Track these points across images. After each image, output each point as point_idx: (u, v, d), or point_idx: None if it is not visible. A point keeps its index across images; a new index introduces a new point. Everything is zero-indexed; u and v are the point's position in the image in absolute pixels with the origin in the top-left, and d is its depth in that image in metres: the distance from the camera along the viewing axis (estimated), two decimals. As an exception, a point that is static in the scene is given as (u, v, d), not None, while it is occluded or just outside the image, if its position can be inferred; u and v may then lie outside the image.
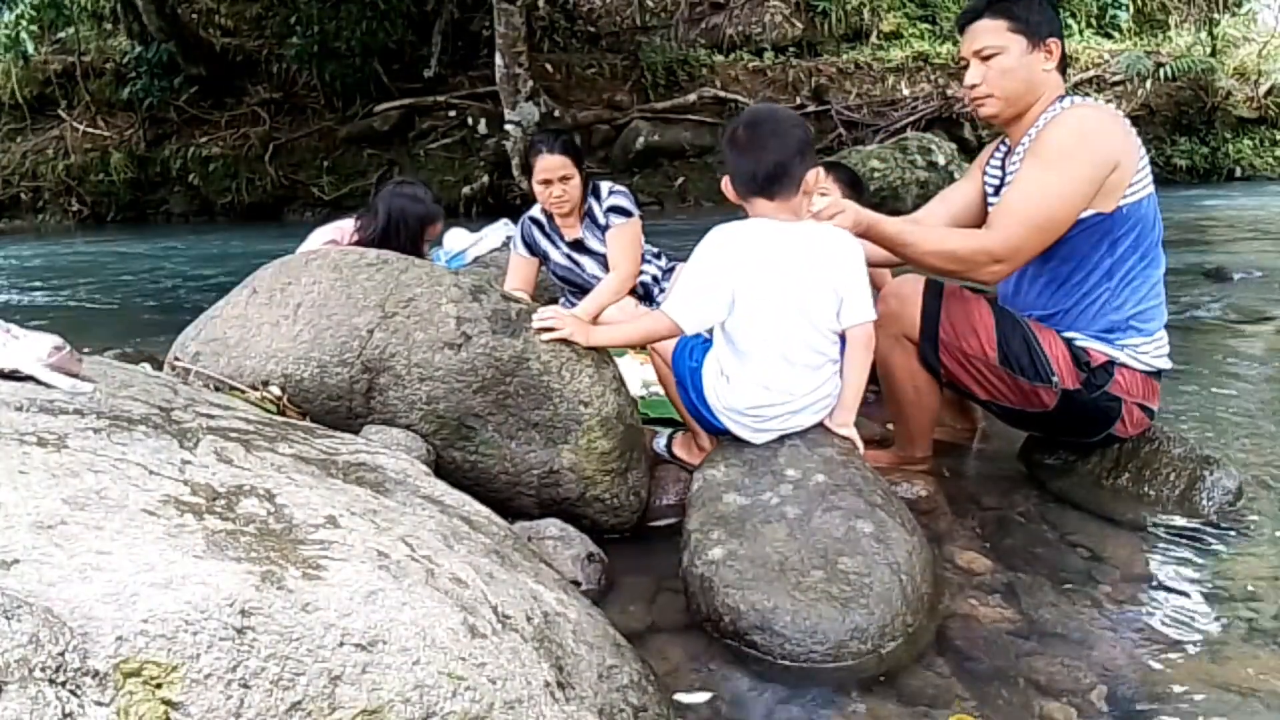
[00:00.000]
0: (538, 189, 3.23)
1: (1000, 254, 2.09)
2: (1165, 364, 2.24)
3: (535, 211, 3.42)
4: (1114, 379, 2.17)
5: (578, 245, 3.37)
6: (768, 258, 2.00)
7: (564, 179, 3.18)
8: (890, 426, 2.58)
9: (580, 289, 3.43)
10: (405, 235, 3.22)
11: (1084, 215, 2.09)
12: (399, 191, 3.34)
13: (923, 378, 2.29)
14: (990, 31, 2.13)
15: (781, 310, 2.00)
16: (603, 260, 3.35)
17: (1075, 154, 2.04)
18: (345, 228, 3.30)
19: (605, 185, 3.35)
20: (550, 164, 3.17)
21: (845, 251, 2.04)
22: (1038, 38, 2.12)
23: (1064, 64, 2.18)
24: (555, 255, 3.42)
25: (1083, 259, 2.14)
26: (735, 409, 2.07)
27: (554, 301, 3.57)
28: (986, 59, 2.14)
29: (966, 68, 2.20)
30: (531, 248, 3.44)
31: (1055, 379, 2.15)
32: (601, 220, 3.29)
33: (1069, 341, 2.19)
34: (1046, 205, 2.05)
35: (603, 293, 3.08)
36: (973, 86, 2.18)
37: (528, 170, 3.29)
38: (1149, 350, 2.20)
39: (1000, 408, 2.30)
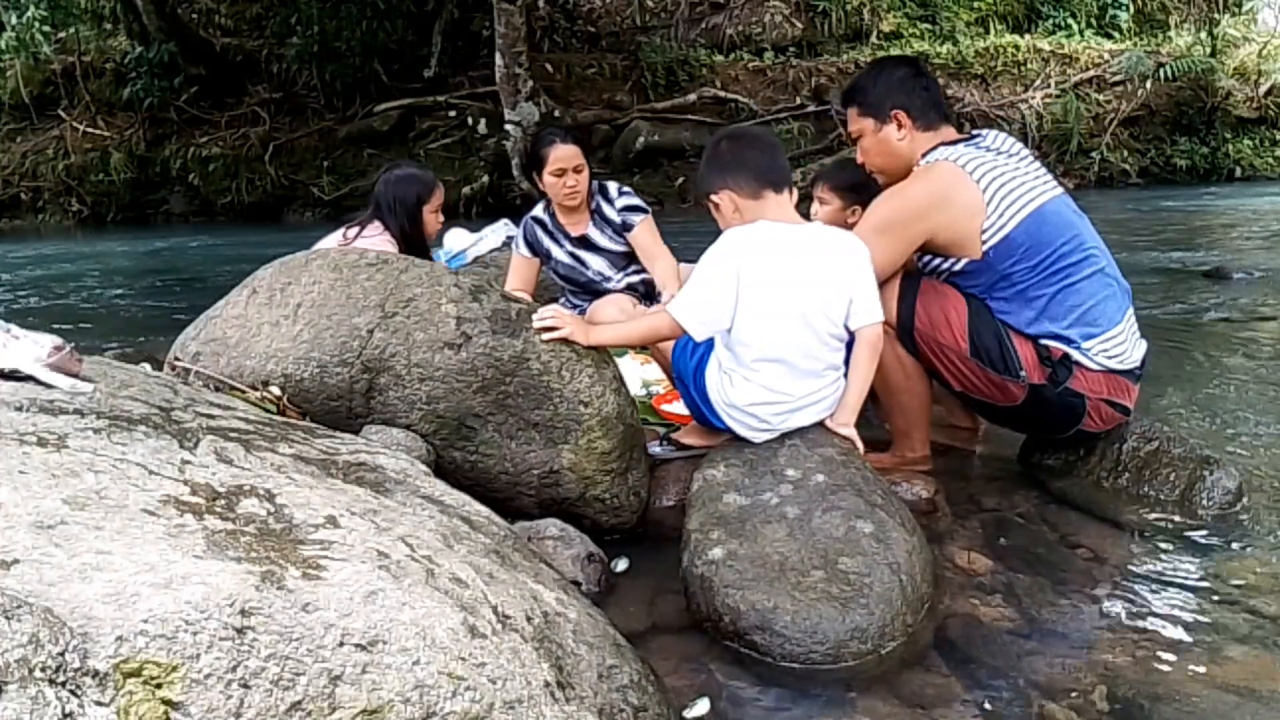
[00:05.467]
0: (550, 181, 3.24)
1: None
2: (1123, 365, 2.21)
3: (538, 211, 3.43)
4: (1074, 375, 2.18)
5: (583, 242, 3.37)
6: (777, 262, 2.02)
7: (577, 169, 3.23)
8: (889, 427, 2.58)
9: (583, 287, 3.43)
10: (404, 217, 3.26)
11: (961, 265, 2.22)
12: (389, 179, 3.38)
13: (910, 363, 2.30)
14: (850, 120, 2.42)
15: (784, 316, 2.01)
16: (609, 257, 3.37)
17: (871, 222, 2.27)
18: (375, 237, 3.29)
19: (612, 185, 3.37)
20: (565, 153, 3.20)
21: (853, 252, 2.08)
22: (882, 114, 2.33)
23: (934, 115, 2.32)
24: (558, 254, 3.42)
25: (987, 294, 2.23)
26: (735, 405, 2.08)
27: (554, 301, 3.57)
28: (856, 141, 2.43)
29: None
30: (534, 247, 3.44)
31: (1023, 373, 2.17)
32: (616, 219, 3.31)
33: (1033, 339, 2.21)
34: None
35: (665, 283, 3.11)
36: (863, 164, 2.49)
37: (535, 165, 3.30)
38: (1101, 350, 2.19)
39: (975, 400, 2.32)
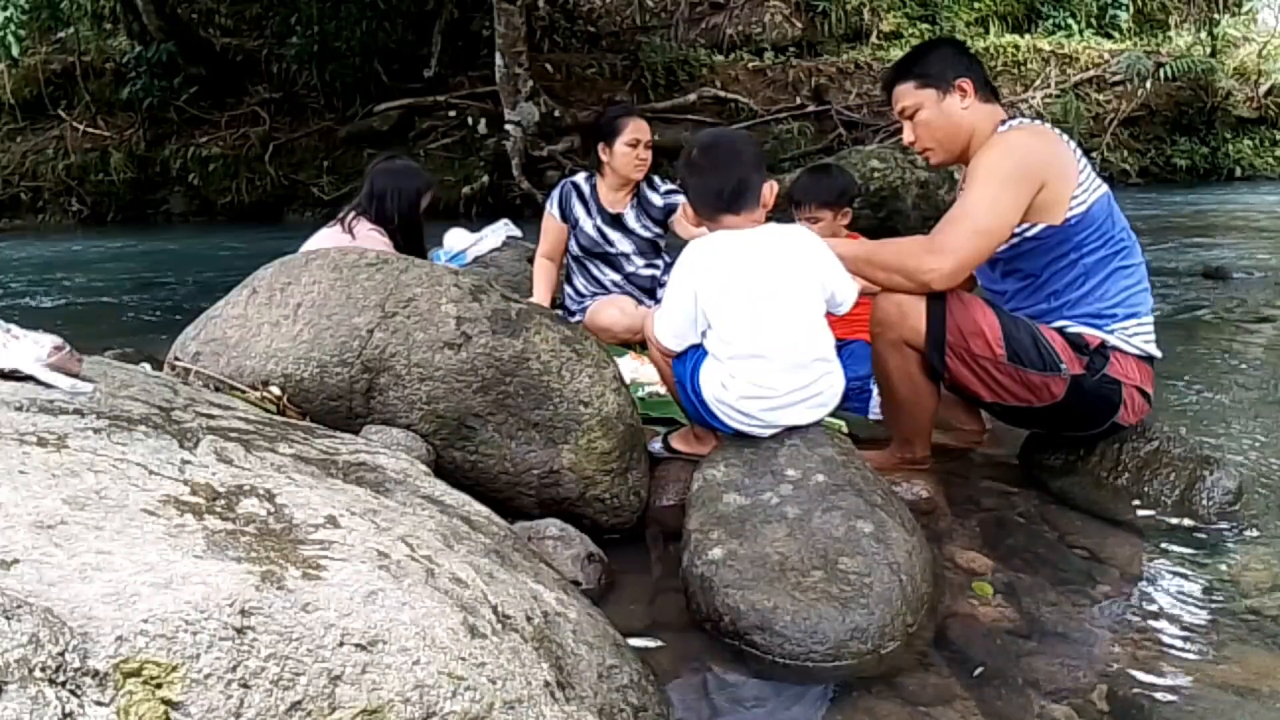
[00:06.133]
0: (623, 151, 3.33)
1: (935, 249, 2.20)
2: (1155, 351, 2.27)
3: (579, 179, 3.52)
4: (1110, 361, 2.20)
5: (616, 220, 3.46)
6: (740, 264, 2.06)
7: (648, 144, 3.37)
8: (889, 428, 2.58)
9: (601, 258, 3.53)
10: (405, 207, 3.28)
11: (1036, 230, 2.22)
12: (389, 168, 3.40)
13: (921, 380, 2.29)
14: (904, 94, 2.36)
15: (755, 312, 2.04)
16: (636, 241, 3.50)
17: (1000, 171, 2.20)
18: (368, 233, 3.28)
19: (656, 176, 3.53)
20: (642, 125, 3.37)
21: (814, 245, 2.14)
22: (945, 84, 2.30)
23: (991, 92, 2.34)
24: (585, 224, 3.49)
25: (1048, 266, 2.25)
26: (726, 401, 2.09)
27: (569, 274, 3.67)
28: (910, 117, 2.36)
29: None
30: (564, 212, 3.50)
31: (1064, 366, 2.17)
32: (659, 203, 3.45)
33: (1060, 330, 2.23)
34: (979, 213, 2.19)
35: None
36: (912, 143, 2.40)
37: (606, 134, 3.38)
38: (1140, 333, 2.24)
39: (1004, 407, 2.30)
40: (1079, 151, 2.27)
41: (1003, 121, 2.29)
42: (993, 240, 2.20)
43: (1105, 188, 2.26)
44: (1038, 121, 2.34)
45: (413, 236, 3.35)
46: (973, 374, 2.22)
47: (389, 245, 3.23)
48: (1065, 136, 2.29)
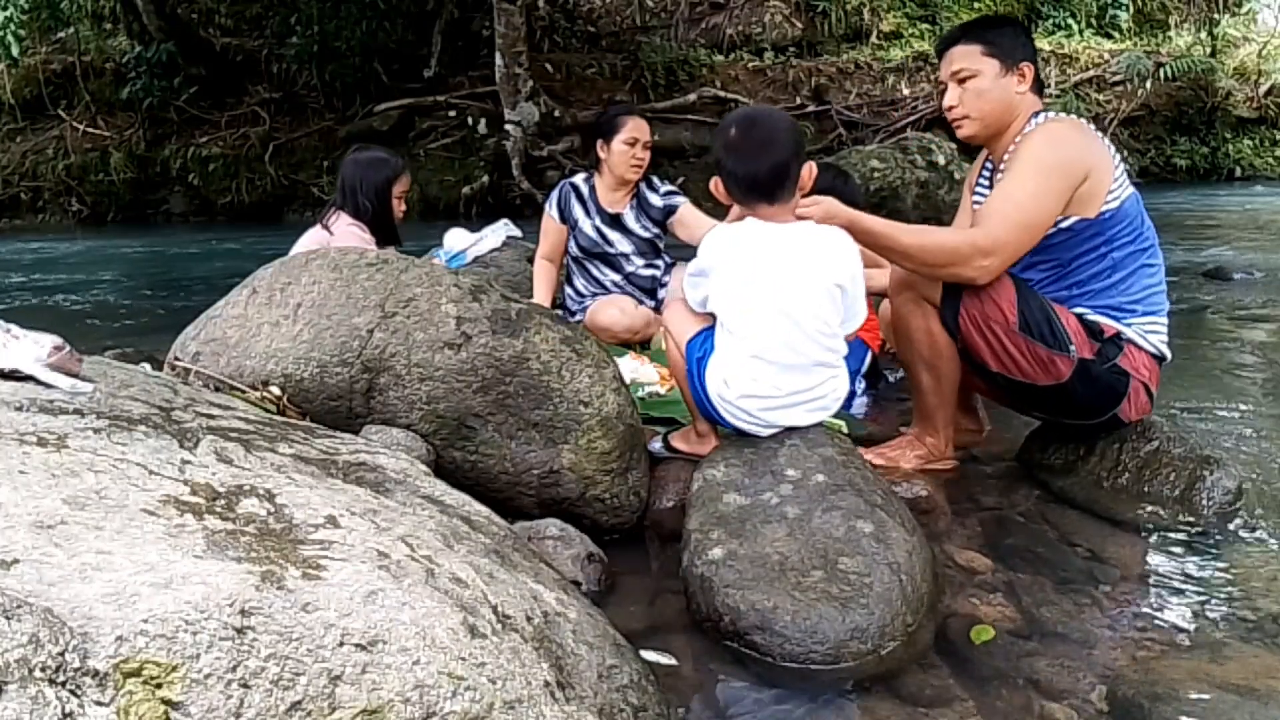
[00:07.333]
0: (620, 150, 3.35)
1: (987, 247, 2.16)
2: (1167, 351, 2.29)
3: (577, 180, 3.55)
4: (1123, 352, 2.21)
5: (615, 220, 3.48)
6: (757, 260, 2.06)
7: (646, 145, 3.38)
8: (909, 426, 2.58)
9: (601, 259, 3.55)
10: (373, 197, 3.26)
11: (1070, 222, 2.21)
12: (358, 160, 3.39)
13: (941, 339, 2.28)
14: (965, 56, 2.28)
15: (762, 312, 2.05)
16: (635, 241, 3.51)
17: (1048, 162, 2.18)
18: (347, 228, 3.29)
19: (655, 178, 3.55)
20: (640, 125, 3.38)
21: (846, 251, 2.10)
22: (1011, 62, 2.26)
23: (1039, 86, 2.33)
24: (584, 225, 3.50)
25: (1078, 258, 2.24)
26: (726, 398, 2.10)
27: (569, 275, 3.67)
28: (962, 81, 2.29)
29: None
30: (563, 213, 3.52)
31: (1072, 347, 2.18)
32: (659, 203, 3.47)
33: (1079, 315, 2.23)
34: (1026, 206, 2.17)
35: None
36: (951, 108, 2.33)
37: (605, 133, 3.40)
38: (1156, 331, 2.26)
39: (1009, 382, 2.27)
40: (1112, 147, 2.28)
41: (1036, 113, 2.29)
42: (1037, 235, 2.20)
43: (1133, 188, 2.28)
44: (1072, 115, 2.36)
45: (386, 225, 3.35)
46: (982, 339, 2.22)
47: (368, 238, 3.24)
48: (1099, 132, 2.31)
